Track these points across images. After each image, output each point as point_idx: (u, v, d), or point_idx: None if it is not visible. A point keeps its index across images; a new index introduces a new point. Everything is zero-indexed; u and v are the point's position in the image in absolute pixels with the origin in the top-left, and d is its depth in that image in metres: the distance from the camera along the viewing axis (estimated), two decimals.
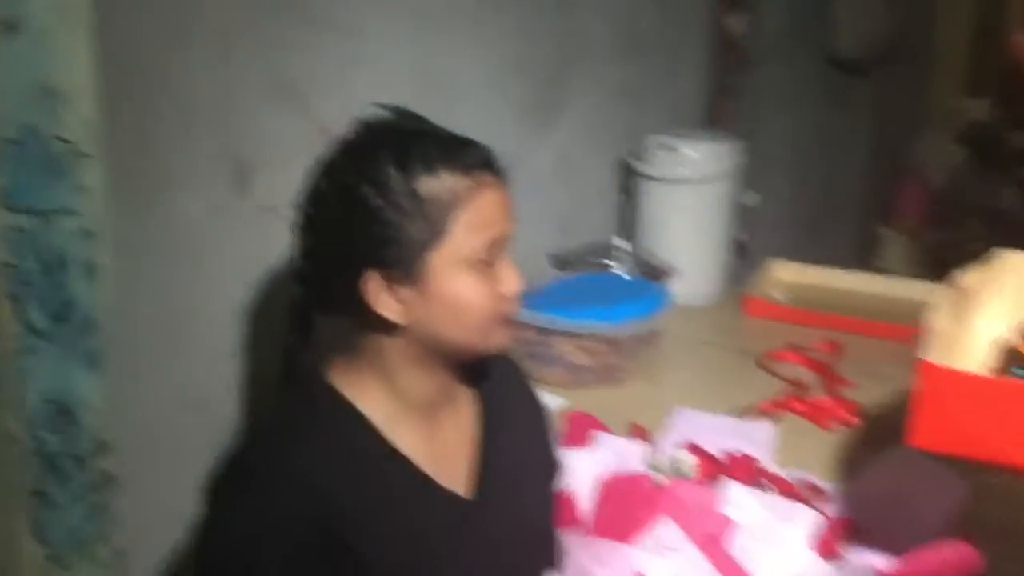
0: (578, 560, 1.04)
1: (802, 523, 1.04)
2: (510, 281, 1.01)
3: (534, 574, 1.07)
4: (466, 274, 0.98)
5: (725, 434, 1.40)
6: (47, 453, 1.08)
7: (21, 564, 1.08)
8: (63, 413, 1.09)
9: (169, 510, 1.29)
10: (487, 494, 1.07)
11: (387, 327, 1.00)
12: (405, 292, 0.98)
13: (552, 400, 1.59)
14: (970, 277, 1.10)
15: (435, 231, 0.96)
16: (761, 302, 2.05)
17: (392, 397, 1.03)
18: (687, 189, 2.05)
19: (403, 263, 0.96)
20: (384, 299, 0.98)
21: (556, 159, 2.05)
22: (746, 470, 1.19)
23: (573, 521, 1.14)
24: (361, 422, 1.01)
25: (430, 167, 0.96)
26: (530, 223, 2.00)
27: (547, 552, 1.11)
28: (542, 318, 1.62)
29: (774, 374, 1.74)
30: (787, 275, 2.23)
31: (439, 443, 1.06)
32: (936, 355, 0.96)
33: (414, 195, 0.95)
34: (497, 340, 1.03)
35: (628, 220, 2.19)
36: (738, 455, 1.24)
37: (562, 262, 1.99)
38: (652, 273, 1.94)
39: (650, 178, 2.08)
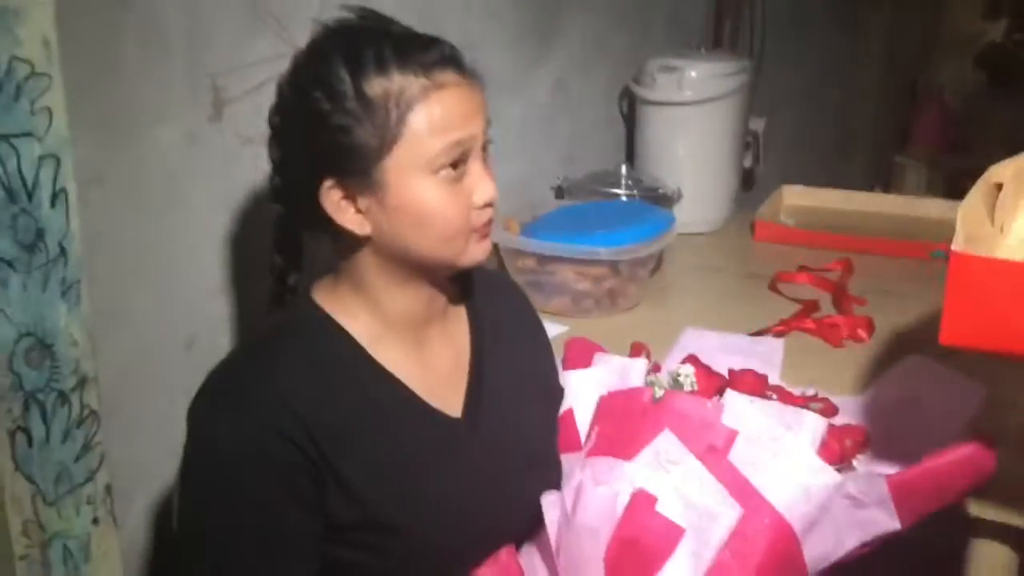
0: (576, 479, 1.00)
1: (807, 430, 1.00)
2: (482, 189, 0.95)
3: (531, 496, 1.03)
4: (427, 180, 0.92)
5: (733, 352, 1.35)
6: (27, 389, 1.05)
7: (7, 502, 1.05)
8: (41, 347, 1.05)
9: (157, 445, 1.27)
10: (478, 415, 1.03)
11: (358, 241, 0.96)
12: (365, 202, 0.93)
13: (557, 329, 1.55)
14: (1003, 170, 1.03)
15: (389, 135, 0.91)
16: (771, 225, 2.00)
17: (376, 316, 0.99)
18: (690, 112, 1.99)
19: (359, 171, 0.92)
20: (344, 210, 0.94)
21: (555, 86, 1.99)
22: (751, 385, 1.15)
23: (573, 442, 1.10)
24: (346, 340, 0.98)
25: (382, 67, 0.91)
26: (532, 152, 1.96)
27: (545, 475, 1.06)
28: (542, 244, 1.57)
29: (785, 296, 1.69)
30: (797, 199, 2.18)
31: (429, 363, 1.02)
32: (967, 248, 0.90)
33: (363, 97, 0.91)
34: (473, 253, 0.98)
35: (633, 147, 2.13)
36: (743, 371, 1.19)
37: (566, 191, 1.94)
38: (658, 199, 1.88)
39: (652, 102, 2.02)
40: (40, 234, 1.03)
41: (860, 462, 1.06)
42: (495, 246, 1.67)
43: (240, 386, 0.92)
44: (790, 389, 1.22)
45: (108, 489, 1.15)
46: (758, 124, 2.45)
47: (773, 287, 1.72)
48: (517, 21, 1.85)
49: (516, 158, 1.90)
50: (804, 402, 1.15)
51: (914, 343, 1.36)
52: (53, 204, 1.03)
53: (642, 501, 0.95)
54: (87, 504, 1.13)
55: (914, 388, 1.22)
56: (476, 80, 0.97)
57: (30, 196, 1.01)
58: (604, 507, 0.94)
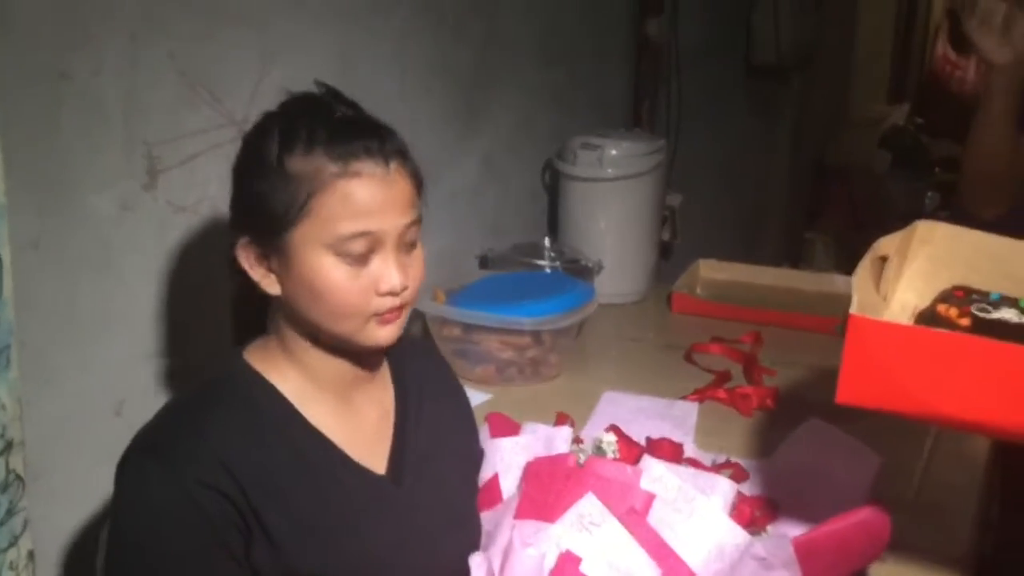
0: (503, 539, 1.03)
1: (719, 493, 1.06)
2: (386, 277, 0.97)
3: (454, 554, 1.06)
4: (328, 258, 0.96)
5: (650, 415, 1.41)
6: None
7: None
8: None
9: (81, 510, 1.27)
10: (402, 472, 1.06)
11: (279, 302, 1.01)
12: (275, 264, 0.99)
13: (481, 397, 1.60)
14: (888, 244, 1.13)
15: (297, 209, 0.95)
16: (687, 298, 2.08)
17: (304, 375, 1.03)
18: (610, 187, 2.08)
19: (267, 235, 0.98)
20: (255, 267, 1.00)
21: (483, 162, 2.06)
22: (668, 453, 1.21)
23: (497, 504, 1.14)
24: (276, 397, 1.01)
25: (308, 146, 0.96)
26: (459, 224, 2.02)
27: (466, 531, 1.10)
28: (467, 314, 1.62)
29: (699, 366, 1.76)
30: (712, 272, 2.27)
31: (355, 422, 1.06)
32: (862, 312, 0.98)
33: (283, 171, 0.96)
34: (373, 336, 1.00)
35: (556, 220, 2.21)
36: (660, 439, 1.25)
37: (491, 262, 2.00)
38: (579, 271, 1.95)
39: (574, 178, 2.10)
40: None
41: (769, 533, 1.12)
42: (422, 315, 1.71)
43: (172, 440, 0.95)
44: (702, 458, 1.28)
45: (31, 555, 1.15)
46: (675, 200, 2.56)
47: (688, 357, 1.79)
48: (449, 98, 1.92)
49: (444, 229, 1.96)
50: (716, 470, 1.21)
51: (819, 412, 1.43)
52: None
53: (568, 562, 0.99)
54: (9, 570, 1.12)
55: (815, 453, 1.29)
56: (405, 177, 0.99)
57: None
58: (531, 569, 0.98)
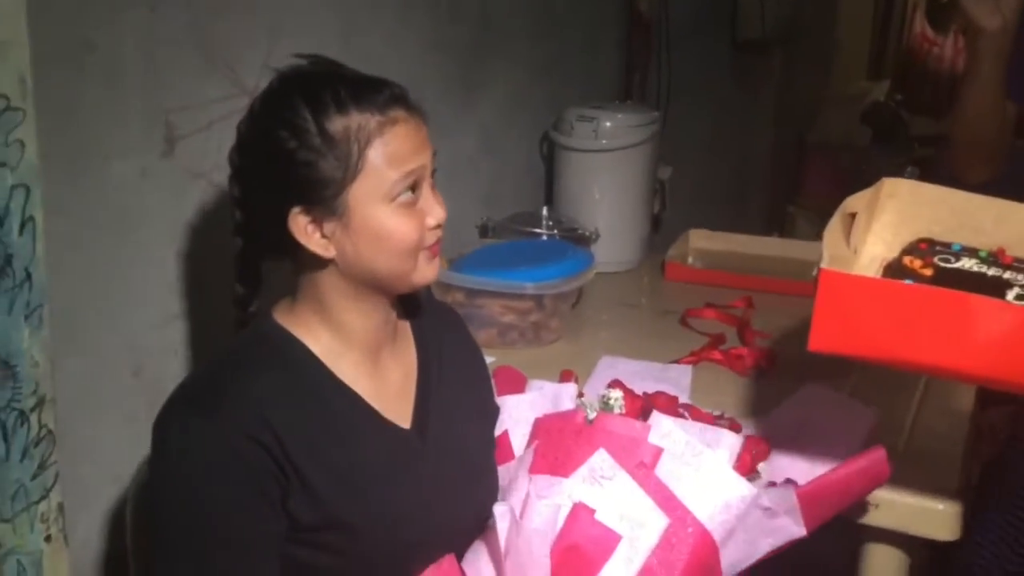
0: (520, 492, 1.09)
1: (725, 446, 1.11)
2: (434, 211, 1.06)
3: (475, 506, 1.12)
4: (386, 206, 1.02)
5: (646, 378, 1.46)
6: None
7: None
8: (4, 367, 1.09)
9: (108, 466, 1.31)
10: (426, 427, 1.12)
11: (320, 263, 1.05)
12: (330, 227, 1.02)
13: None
14: (857, 201, 1.19)
15: (351, 167, 1.00)
16: (679, 266, 2.14)
17: (334, 334, 1.07)
18: (604, 158, 2.12)
19: (324, 200, 1.01)
20: (311, 235, 1.03)
21: (480, 134, 2.11)
22: (665, 405, 1.26)
23: (508, 458, 1.19)
24: (308, 355, 1.06)
25: (340, 107, 1.01)
26: (458, 197, 2.05)
27: (487, 485, 1.16)
28: (470, 279, 1.67)
29: (695, 330, 1.82)
30: (703, 242, 2.33)
31: (382, 379, 1.11)
32: (832, 266, 1.05)
33: (326, 134, 1.00)
34: (424, 272, 1.08)
35: (552, 190, 2.26)
36: (657, 393, 1.31)
37: (490, 230, 2.05)
38: (577, 239, 2.00)
39: (570, 149, 2.15)
40: (8, 259, 1.08)
41: (762, 470, 1.19)
42: None
43: (215, 395, 0.99)
44: (700, 408, 1.34)
45: (60, 508, 1.19)
46: (665, 172, 2.61)
47: (683, 322, 1.85)
48: (446, 73, 1.96)
49: (444, 199, 2.00)
50: (713, 420, 1.27)
51: (813, 373, 1.50)
52: (22, 231, 1.08)
53: (582, 512, 1.05)
54: (41, 522, 1.17)
55: (811, 412, 1.35)
56: (421, 116, 1.07)
57: (1, 223, 1.06)
58: (548, 518, 1.04)
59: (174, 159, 1.37)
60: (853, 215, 1.20)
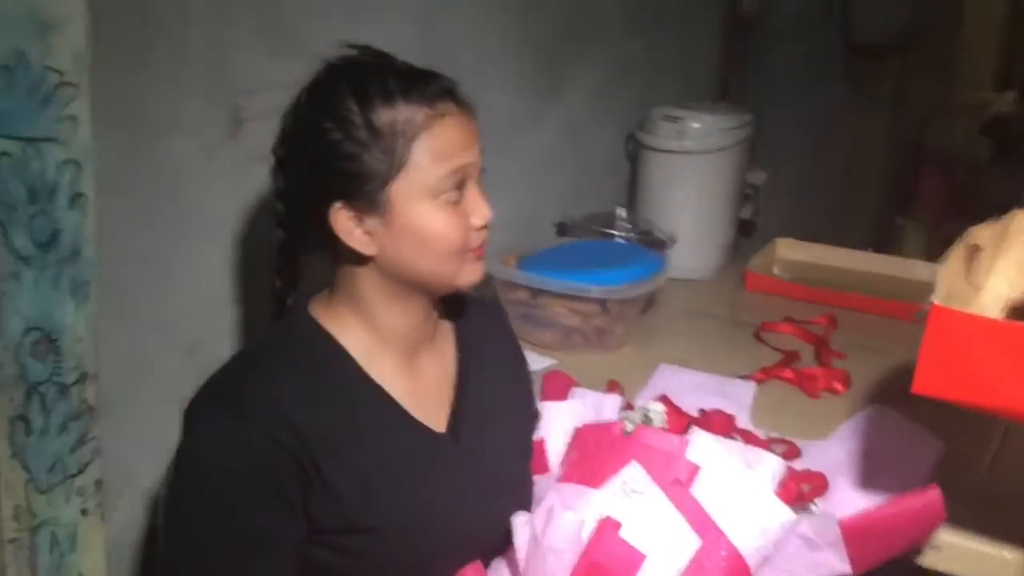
0: (548, 501, 1.04)
1: (767, 469, 1.05)
2: (479, 211, 1.02)
3: (507, 513, 1.07)
4: (430, 203, 0.99)
5: (706, 391, 1.40)
6: (31, 380, 1.10)
7: (1, 487, 1.09)
8: (47, 341, 1.10)
9: (149, 444, 1.31)
10: (461, 431, 1.08)
11: (360, 260, 1.02)
12: (372, 223, 0.99)
13: (544, 362, 1.61)
14: (982, 233, 1.09)
15: (394, 162, 0.97)
16: (761, 277, 2.05)
17: (370, 332, 1.04)
18: (689, 161, 2.05)
19: (367, 195, 0.98)
20: (352, 231, 1.00)
21: (564, 129, 2.06)
22: (720, 425, 1.20)
23: (543, 467, 1.15)
24: (340, 354, 1.03)
25: (388, 99, 0.98)
26: (536, 190, 2.02)
27: (521, 494, 1.12)
28: (534, 278, 1.63)
29: (768, 345, 1.74)
30: (790, 252, 2.23)
31: (418, 380, 1.07)
32: (946, 304, 0.96)
33: (371, 127, 0.97)
34: (468, 274, 1.04)
35: (634, 191, 2.20)
36: (713, 412, 1.24)
37: (568, 229, 2.00)
38: (652, 243, 1.94)
39: (653, 149, 2.08)
40: (56, 234, 1.08)
41: (817, 507, 1.11)
42: (491, 276, 1.73)
43: (240, 391, 0.98)
44: (756, 431, 1.27)
45: (99, 483, 1.20)
46: (759, 177, 2.51)
47: (757, 336, 1.77)
48: (530, 61, 1.91)
49: (520, 195, 1.96)
50: (767, 445, 1.20)
51: (886, 398, 1.41)
52: (71, 207, 1.09)
53: (607, 528, 1.00)
54: (77, 495, 1.18)
55: (876, 437, 1.27)
56: (471, 111, 1.04)
57: (50, 198, 1.06)
58: (571, 531, 0.99)
59: (238, 142, 1.36)
60: (976, 247, 1.10)
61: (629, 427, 1.10)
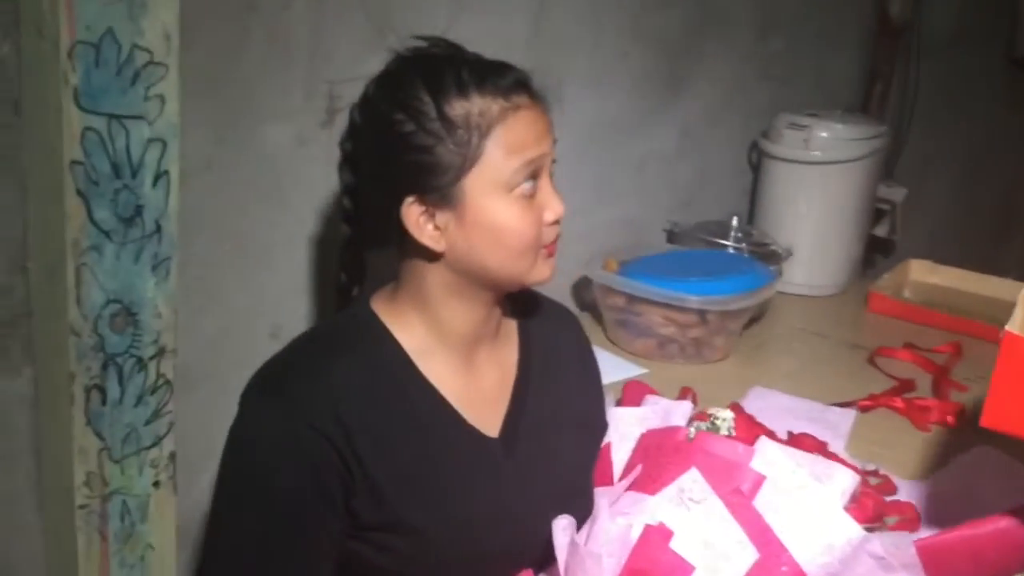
0: (599, 509, 0.99)
1: (837, 483, 0.97)
2: (552, 206, 0.99)
3: None
4: (504, 198, 0.96)
5: (799, 416, 1.32)
6: (108, 352, 1.12)
7: (74, 452, 1.13)
8: (126, 314, 1.13)
9: (225, 422, 1.33)
10: (515, 438, 1.04)
11: (428, 255, 0.99)
12: (443, 218, 0.97)
13: (637, 370, 1.55)
14: None
15: (469, 154, 0.94)
16: (885, 298, 1.93)
17: (430, 329, 1.02)
18: (814, 171, 1.95)
19: (439, 189, 0.95)
20: (423, 226, 0.97)
21: (681, 132, 1.99)
22: (808, 448, 1.12)
23: (606, 475, 1.10)
24: (396, 350, 1.01)
25: (462, 91, 0.95)
26: (648, 194, 1.96)
27: (575, 506, 1.05)
28: (630, 284, 1.57)
29: (882, 371, 1.63)
30: (923, 275, 2.10)
31: (474, 380, 1.04)
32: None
33: (446, 119, 0.94)
34: (540, 271, 1.01)
35: (754, 201, 2.10)
36: (801, 435, 1.16)
37: (676, 237, 1.93)
38: (766, 255, 1.85)
39: (776, 158, 1.99)
40: (139, 210, 1.10)
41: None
42: (590, 282, 1.68)
43: (292, 381, 0.97)
44: (851, 461, 1.18)
45: (172, 456, 1.22)
46: (898, 193, 2.37)
47: (871, 361, 1.66)
48: (648, 62, 1.86)
49: (631, 198, 1.91)
50: (864, 475, 1.11)
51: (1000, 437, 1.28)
52: (155, 184, 1.11)
53: (655, 535, 0.95)
54: (150, 467, 1.20)
55: (974, 477, 1.16)
56: (544, 103, 1.00)
57: (134, 174, 1.09)
58: (615, 537, 0.94)
59: (333, 130, 1.36)
60: None
61: (692, 432, 1.04)
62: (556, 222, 1.01)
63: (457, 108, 0.95)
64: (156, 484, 1.22)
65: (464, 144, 0.95)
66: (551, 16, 1.63)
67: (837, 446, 1.25)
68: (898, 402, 1.48)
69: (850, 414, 1.39)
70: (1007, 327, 0.88)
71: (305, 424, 0.94)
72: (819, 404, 1.43)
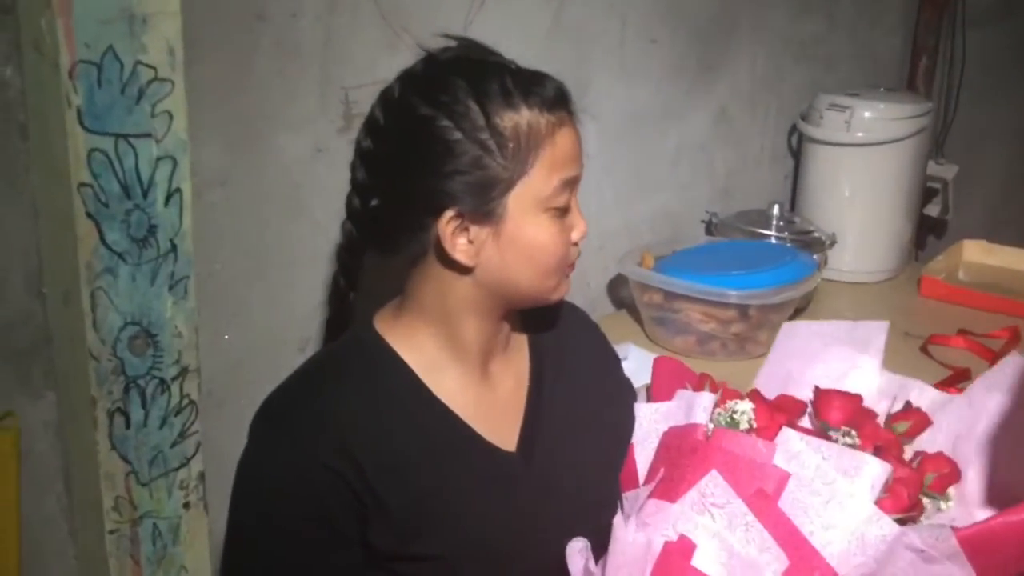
0: (618, 523, 0.95)
1: (866, 476, 0.92)
2: (579, 226, 0.97)
3: (584, 537, 0.98)
4: (542, 216, 0.92)
5: (827, 341, 1.21)
6: (129, 374, 1.11)
7: (101, 478, 1.11)
8: (145, 336, 1.11)
9: None
10: (532, 450, 1.00)
11: (453, 269, 0.94)
12: (479, 233, 0.92)
13: None
14: None
15: (516, 169, 0.90)
16: (938, 282, 1.85)
17: (441, 344, 0.98)
18: (857, 153, 1.87)
19: (482, 203, 0.91)
20: (455, 239, 0.92)
21: (717, 118, 1.93)
22: (841, 411, 1.07)
23: (632, 478, 1.05)
24: (403, 370, 0.97)
25: (510, 101, 0.90)
26: (684, 185, 1.90)
27: (600, 517, 0.99)
28: (667, 280, 1.52)
29: (935, 359, 1.55)
30: (978, 255, 2.01)
31: (487, 394, 1.00)
32: None
33: (495, 130, 0.90)
34: (562, 290, 0.99)
35: (796, 187, 2.04)
36: (828, 391, 1.10)
37: (715, 228, 1.88)
38: (809, 243, 1.78)
39: (817, 141, 1.92)
40: (152, 230, 1.08)
41: (951, 499, 0.99)
42: (625, 279, 1.63)
43: (296, 414, 0.93)
44: (889, 383, 1.15)
45: (201, 476, 1.20)
46: (948, 171, 2.29)
47: (924, 349, 1.59)
48: (679, 47, 1.80)
49: (666, 189, 1.85)
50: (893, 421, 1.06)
51: None
52: (167, 203, 1.09)
53: (676, 551, 0.90)
54: (179, 489, 1.19)
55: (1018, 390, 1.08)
56: (577, 118, 0.96)
57: (145, 193, 1.07)
58: (635, 556, 0.89)
59: (351, 136, 1.32)
60: None
61: (711, 428, 0.98)
62: (578, 242, 0.98)
63: (506, 120, 0.90)
64: (186, 505, 1.20)
65: (513, 158, 0.90)
66: (573, 6, 1.58)
67: (871, 365, 1.18)
68: (952, 391, 1.40)
69: (883, 326, 1.28)
70: None
71: (310, 459, 0.90)
72: (847, 322, 1.32)
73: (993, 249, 2.01)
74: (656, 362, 1.16)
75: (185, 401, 1.17)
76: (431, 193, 0.91)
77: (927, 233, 2.52)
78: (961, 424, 1.09)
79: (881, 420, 1.11)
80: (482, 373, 1.00)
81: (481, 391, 0.99)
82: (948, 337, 1.61)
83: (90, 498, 1.14)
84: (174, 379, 1.15)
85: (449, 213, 0.91)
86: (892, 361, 1.55)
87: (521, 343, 1.06)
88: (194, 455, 1.20)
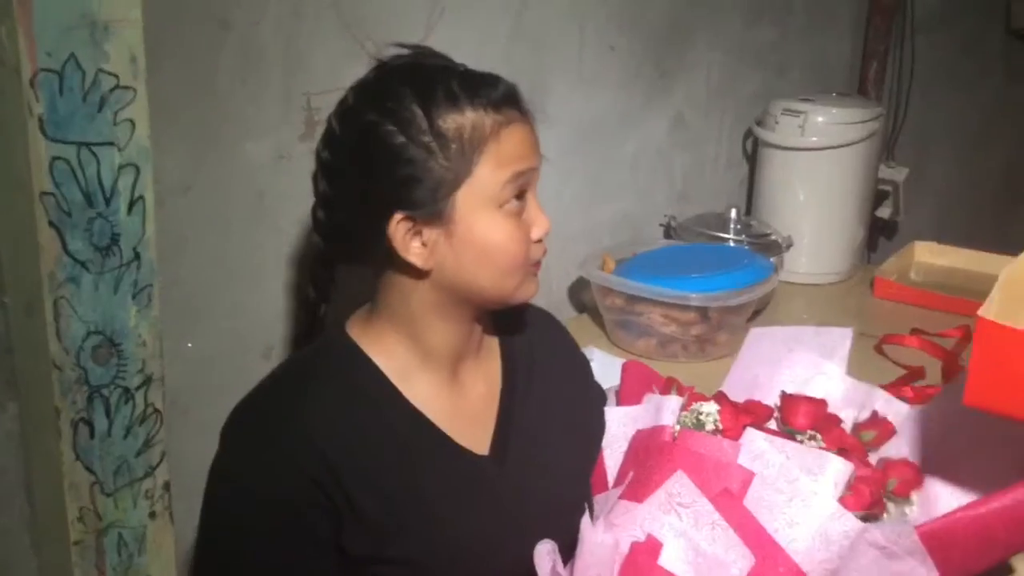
0: (585, 525, 0.96)
1: (829, 474, 0.94)
2: (539, 223, 0.97)
3: (561, 543, 0.99)
4: (494, 214, 0.93)
5: (792, 345, 1.24)
6: (92, 384, 1.10)
7: (65, 489, 1.10)
8: (109, 345, 1.10)
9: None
10: (505, 453, 1.01)
11: (411, 273, 0.96)
12: (431, 235, 0.93)
13: None
14: None
15: (460, 169, 0.91)
16: (891, 283, 1.89)
17: (412, 350, 0.99)
18: (811, 157, 1.91)
19: (429, 204, 0.92)
20: (410, 243, 0.94)
21: (673, 124, 1.96)
22: (807, 415, 1.09)
23: (602, 482, 1.06)
24: (375, 375, 0.97)
25: (454, 103, 0.92)
26: (643, 189, 1.93)
27: (573, 519, 1.00)
28: (629, 284, 1.54)
29: (889, 359, 1.59)
30: (929, 256, 2.06)
31: (459, 398, 1.01)
32: (1000, 313, 0.86)
33: (438, 132, 0.91)
34: (527, 289, 0.98)
35: (752, 191, 2.07)
36: (795, 396, 1.13)
37: (674, 232, 1.90)
38: (766, 246, 1.82)
39: (772, 145, 1.95)
40: (115, 238, 1.08)
41: (914, 503, 1.01)
42: (587, 283, 1.65)
43: (266, 420, 0.94)
44: (855, 389, 1.18)
45: (167, 485, 1.20)
46: (899, 174, 2.34)
47: (879, 349, 1.62)
48: (636, 54, 1.82)
49: (625, 194, 1.88)
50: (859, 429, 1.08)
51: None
52: (130, 211, 1.08)
53: (642, 552, 0.91)
54: (145, 498, 1.18)
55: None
56: (532, 117, 0.98)
57: (107, 202, 1.06)
58: (602, 558, 0.91)
59: (313, 143, 1.32)
60: None
61: (677, 429, 1.00)
62: (541, 240, 0.98)
63: (449, 121, 0.91)
64: (152, 515, 1.20)
65: (456, 158, 0.91)
66: (533, 13, 1.60)
67: (836, 372, 1.21)
68: (908, 391, 1.44)
69: (847, 333, 1.31)
70: (980, 312, 0.87)
71: (282, 464, 0.91)
72: (811, 328, 1.34)
73: (943, 250, 2.06)
74: (625, 367, 1.18)
75: (150, 410, 1.16)
76: (380, 198, 0.93)
77: (879, 235, 2.58)
78: (926, 435, 1.11)
79: (848, 428, 1.14)
80: (454, 377, 1.01)
81: (453, 395, 1.00)
82: (902, 336, 1.64)
83: (54, 509, 1.13)
84: (138, 388, 1.15)
85: (398, 216, 0.92)
86: (848, 362, 1.59)
87: (493, 347, 1.07)
88: (159, 464, 1.19)
